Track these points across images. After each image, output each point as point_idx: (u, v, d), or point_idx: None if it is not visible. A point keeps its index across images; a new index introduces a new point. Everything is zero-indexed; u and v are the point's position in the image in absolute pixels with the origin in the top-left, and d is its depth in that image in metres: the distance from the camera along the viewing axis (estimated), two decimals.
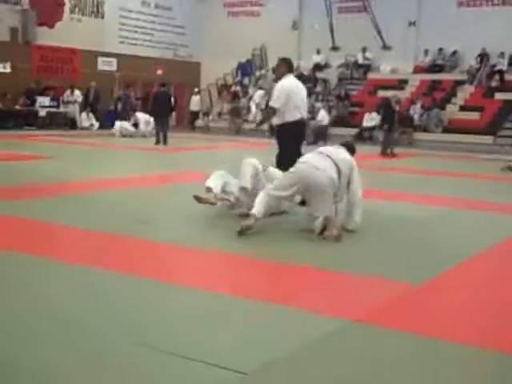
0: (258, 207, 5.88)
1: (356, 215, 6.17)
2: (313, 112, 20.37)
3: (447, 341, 3.43)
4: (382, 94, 23.62)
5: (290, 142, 7.57)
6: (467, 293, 4.47)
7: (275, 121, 8.00)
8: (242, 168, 6.53)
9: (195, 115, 25.44)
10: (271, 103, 7.65)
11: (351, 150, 6.49)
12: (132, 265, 4.83)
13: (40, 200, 7.54)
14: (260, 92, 24.56)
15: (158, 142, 16.79)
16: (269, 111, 7.95)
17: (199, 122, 25.29)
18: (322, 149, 6.40)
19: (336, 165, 5.97)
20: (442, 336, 3.48)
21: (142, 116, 20.35)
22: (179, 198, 7.76)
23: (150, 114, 18.65)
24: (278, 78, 7.86)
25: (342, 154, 6.24)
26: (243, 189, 6.44)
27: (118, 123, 20.13)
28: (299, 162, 6.14)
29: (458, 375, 3.07)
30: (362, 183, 6.29)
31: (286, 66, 7.68)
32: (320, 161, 5.98)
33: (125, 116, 21.30)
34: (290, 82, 7.58)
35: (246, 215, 6.07)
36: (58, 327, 3.45)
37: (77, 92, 22.71)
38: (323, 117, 20.29)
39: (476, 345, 3.39)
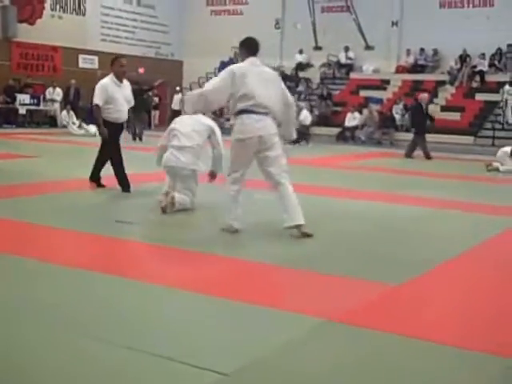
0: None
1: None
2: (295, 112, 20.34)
3: (427, 341, 3.43)
4: (363, 93, 23.75)
5: None
6: (447, 293, 4.49)
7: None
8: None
9: (177, 114, 25.31)
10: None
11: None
12: (110, 264, 4.80)
13: (30, 198, 7.48)
14: None
15: (134, 139, 17.94)
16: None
17: None
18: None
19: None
20: (422, 336, 3.49)
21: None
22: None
23: None
24: None
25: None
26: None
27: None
28: None
29: (436, 374, 3.07)
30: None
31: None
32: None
33: None
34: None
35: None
36: (44, 327, 3.42)
37: (57, 90, 22.55)
38: (305, 116, 20.32)
39: (456, 345, 3.40)
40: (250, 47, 6.20)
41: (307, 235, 5.84)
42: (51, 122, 22.60)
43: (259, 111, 5.79)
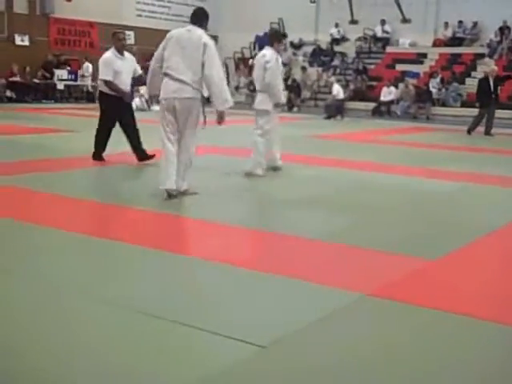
0: None
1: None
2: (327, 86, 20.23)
3: (465, 315, 3.46)
4: (400, 68, 23.46)
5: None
6: (485, 268, 4.49)
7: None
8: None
9: None
10: None
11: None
12: (145, 237, 4.91)
13: (67, 172, 7.65)
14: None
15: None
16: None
17: None
18: None
19: None
20: (460, 311, 3.51)
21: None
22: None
23: None
24: None
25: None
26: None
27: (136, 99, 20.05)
28: None
29: (474, 350, 3.11)
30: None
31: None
32: None
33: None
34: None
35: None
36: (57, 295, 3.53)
37: (86, 64, 22.61)
38: (338, 91, 20.16)
39: (494, 320, 3.42)
40: (191, 16, 6.44)
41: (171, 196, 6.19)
42: (88, 96, 22.83)
43: (175, 77, 6.08)
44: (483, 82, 15.63)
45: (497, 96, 15.60)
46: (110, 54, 8.39)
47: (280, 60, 8.09)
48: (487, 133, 15.34)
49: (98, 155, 8.51)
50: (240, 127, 11.80)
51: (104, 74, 8.27)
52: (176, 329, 3.17)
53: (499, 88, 15.88)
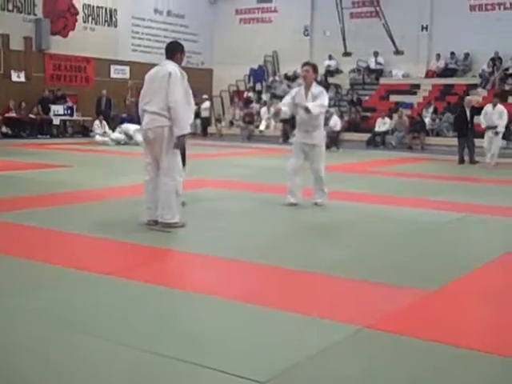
0: None
1: None
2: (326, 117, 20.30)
3: (462, 348, 3.44)
4: (393, 98, 23.64)
5: None
6: (482, 299, 4.48)
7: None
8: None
9: (206, 122, 25.56)
10: None
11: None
12: (143, 271, 4.88)
13: (63, 207, 7.64)
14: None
15: None
16: None
17: (212, 129, 25.36)
18: None
19: None
20: (457, 343, 3.49)
21: (131, 126, 19.83)
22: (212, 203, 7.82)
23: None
24: None
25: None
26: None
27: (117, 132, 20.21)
28: None
29: (471, 382, 3.08)
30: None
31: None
32: None
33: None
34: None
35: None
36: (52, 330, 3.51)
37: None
38: (336, 122, 20.27)
39: (490, 352, 3.40)
40: (165, 50, 6.70)
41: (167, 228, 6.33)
42: (84, 131, 22.91)
43: (149, 110, 6.39)
44: (460, 112, 16.11)
45: (473, 125, 15.98)
46: None
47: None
48: (471, 161, 15.66)
49: None
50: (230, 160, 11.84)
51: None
52: (177, 366, 3.15)
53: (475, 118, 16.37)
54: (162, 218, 6.40)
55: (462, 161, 15.75)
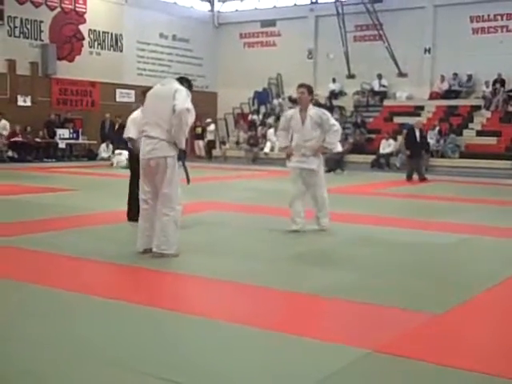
0: None
1: None
2: None
3: (471, 371, 3.43)
4: (398, 120, 23.72)
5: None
6: (489, 323, 4.47)
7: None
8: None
9: (211, 144, 25.74)
10: None
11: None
12: (147, 296, 4.89)
13: (67, 231, 7.67)
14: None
15: None
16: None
17: (217, 152, 25.48)
18: None
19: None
20: (466, 367, 3.48)
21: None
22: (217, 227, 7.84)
23: None
24: None
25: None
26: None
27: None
28: None
29: None
30: None
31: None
32: None
33: None
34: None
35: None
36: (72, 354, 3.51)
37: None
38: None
39: (501, 376, 3.39)
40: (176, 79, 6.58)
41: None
42: (90, 154, 23.05)
43: (149, 134, 6.19)
44: (410, 132, 17.27)
45: (427, 145, 18.02)
46: (138, 113, 8.02)
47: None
48: (421, 179, 16.48)
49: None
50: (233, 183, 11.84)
51: (129, 132, 8.14)
52: None
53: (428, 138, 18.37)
54: (158, 249, 6.20)
55: (410, 177, 16.60)
